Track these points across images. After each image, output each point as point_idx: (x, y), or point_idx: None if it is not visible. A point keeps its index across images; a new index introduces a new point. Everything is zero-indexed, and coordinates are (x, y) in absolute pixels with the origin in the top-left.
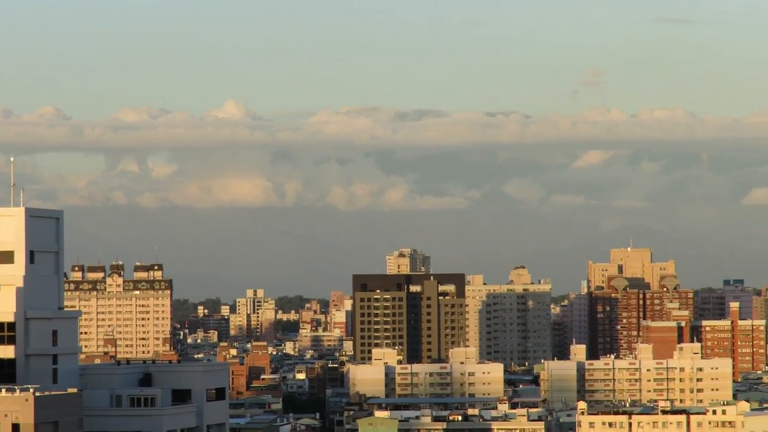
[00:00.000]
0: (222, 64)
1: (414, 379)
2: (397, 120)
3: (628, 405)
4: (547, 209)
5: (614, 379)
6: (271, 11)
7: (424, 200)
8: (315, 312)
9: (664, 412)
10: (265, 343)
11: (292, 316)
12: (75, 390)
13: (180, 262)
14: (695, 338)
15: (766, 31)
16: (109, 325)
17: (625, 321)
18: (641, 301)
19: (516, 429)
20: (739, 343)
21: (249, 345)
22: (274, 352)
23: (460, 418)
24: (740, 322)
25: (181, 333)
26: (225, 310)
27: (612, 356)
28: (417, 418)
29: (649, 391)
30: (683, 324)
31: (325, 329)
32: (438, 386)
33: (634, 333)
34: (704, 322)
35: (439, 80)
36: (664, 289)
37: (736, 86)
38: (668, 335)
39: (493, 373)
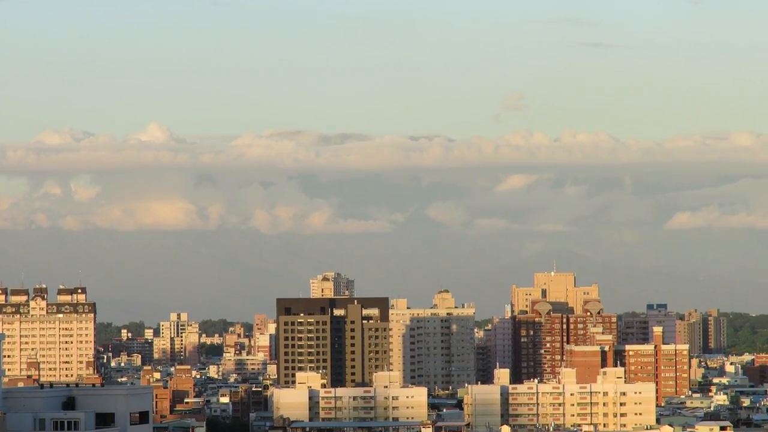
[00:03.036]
0: (145, 87)
1: (338, 403)
2: (321, 143)
3: (551, 429)
4: (470, 233)
5: (538, 403)
6: (194, 35)
7: (347, 224)
8: (239, 335)
9: None
10: (188, 367)
11: (216, 339)
12: None
13: (103, 285)
14: (619, 362)
15: (687, 56)
16: (32, 349)
17: (548, 345)
18: (565, 326)
19: None
20: (662, 367)
21: (172, 368)
22: (198, 376)
23: None
24: (663, 347)
25: (105, 356)
26: (148, 334)
27: (536, 380)
28: None
29: (573, 415)
30: (607, 348)
31: (248, 353)
32: (362, 410)
33: (558, 357)
34: (628, 347)
35: (362, 104)
36: (588, 313)
37: (658, 111)
38: (592, 359)
39: (417, 397)
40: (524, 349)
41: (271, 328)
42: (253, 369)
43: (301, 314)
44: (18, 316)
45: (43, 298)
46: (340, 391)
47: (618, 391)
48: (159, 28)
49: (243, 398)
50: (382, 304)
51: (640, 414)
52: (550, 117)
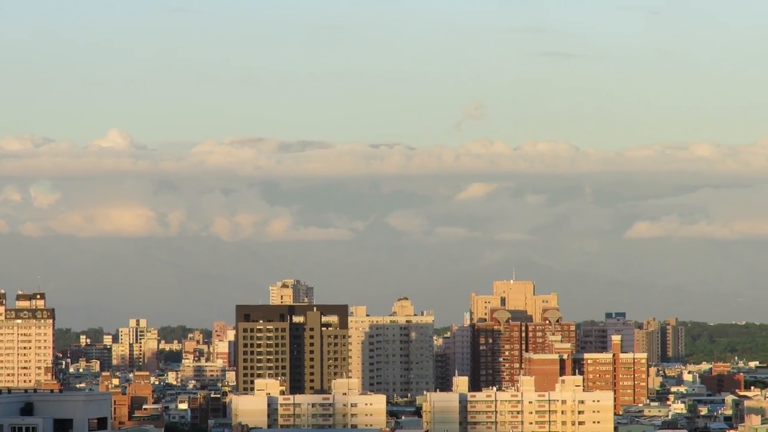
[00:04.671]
0: (106, 94)
1: (296, 410)
2: (281, 151)
3: None
4: (430, 241)
5: (496, 411)
6: (156, 42)
7: (307, 231)
8: (198, 342)
9: None
10: (147, 373)
11: (175, 346)
12: None
13: (62, 291)
14: (577, 371)
15: (648, 66)
16: None
17: (507, 353)
18: (524, 334)
19: None
20: (620, 376)
21: (131, 375)
22: (157, 382)
23: None
24: (622, 355)
25: (63, 362)
26: (107, 340)
27: (494, 388)
28: None
29: (531, 423)
30: (565, 356)
31: (207, 359)
32: (320, 417)
33: (517, 365)
34: (586, 355)
35: (323, 111)
36: (547, 321)
37: (618, 120)
38: (550, 368)
39: (376, 404)
40: (483, 356)
41: (231, 334)
42: (211, 375)
43: (261, 321)
44: None
45: (1, 304)
46: (298, 398)
47: (576, 400)
48: (120, 34)
49: (202, 405)
50: (342, 311)
51: (599, 422)
52: (511, 126)
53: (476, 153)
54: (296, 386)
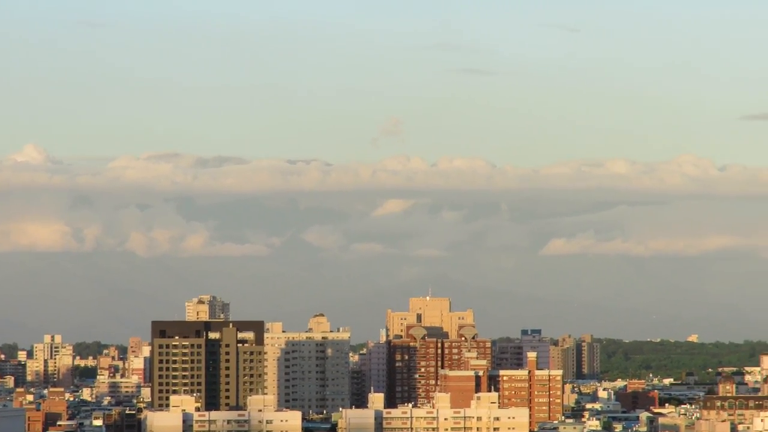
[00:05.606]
0: (22, 108)
1: (212, 426)
2: (198, 166)
3: None
4: (347, 257)
5: (412, 428)
6: (72, 56)
7: (224, 247)
8: (113, 358)
9: None
10: (62, 389)
11: (90, 362)
12: None
13: None
14: (493, 387)
15: (564, 84)
16: None
17: (423, 370)
18: (439, 350)
19: None
20: (536, 392)
21: (46, 391)
22: (71, 398)
23: None
24: (537, 372)
25: None
26: (22, 356)
27: (410, 405)
28: None
29: None
30: (481, 373)
31: (123, 375)
32: None
33: (432, 381)
34: (502, 372)
35: (240, 127)
36: (463, 338)
37: (535, 137)
38: (466, 384)
39: (291, 420)
40: (399, 373)
41: (146, 350)
42: (127, 392)
43: (176, 337)
44: None
45: None
46: (214, 415)
47: (492, 416)
48: (36, 48)
49: (116, 421)
50: (258, 327)
51: None
52: (428, 142)
53: (393, 169)
54: (212, 403)
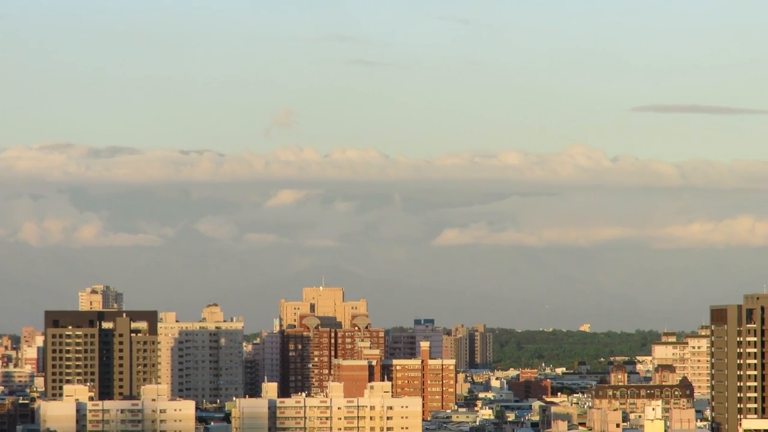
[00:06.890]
0: None
1: (105, 416)
2: (91, 156)
3: None
4: (240, 247)
5: (305, 417)
6: None
7: (117, 237)
8: (6, 348)
9: None
10: None
11: None
12: None
13: None
14: (386, 377)
15: (457, 75)
16: None
17: (316, 359)
18: (333, 340)
19: None
20: (429, 382)
21: None
22: None
23: None
24: (430, 362)
25: None
26: None
27: (303, 394)
28: None
29: (340, 429)
30: (374, 363)
31: (16, 365)
32: (129, 423)
33: (326, 371)
34: (395, 361)
35: (133, 117)
36: (356, 328)
37: (427, 128)
38: (359, 374)
39: (185, 410)
40: (292, 363)
41: (39, 340)
42: (20, 381)
43: (69, 327)
44: None
45: None
46: (107, 404)
47: (385, 405)
48: None
49: (9, 410)
50: (151, 317)
51: (407, 428)
52: (321, 133)
53: (286, 160)
54: (105, 392)
